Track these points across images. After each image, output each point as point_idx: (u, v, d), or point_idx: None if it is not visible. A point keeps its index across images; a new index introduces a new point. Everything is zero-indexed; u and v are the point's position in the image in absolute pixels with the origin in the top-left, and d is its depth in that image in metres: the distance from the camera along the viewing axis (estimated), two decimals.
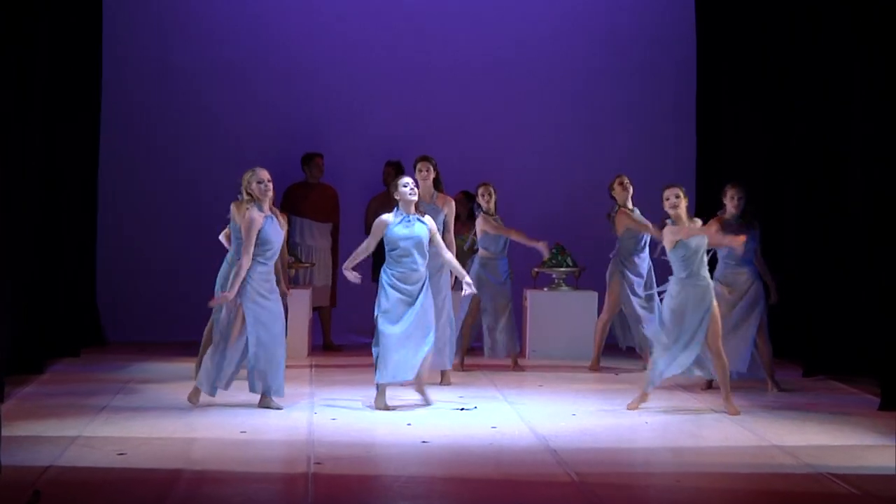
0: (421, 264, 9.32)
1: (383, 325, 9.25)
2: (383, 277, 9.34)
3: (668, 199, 9.32)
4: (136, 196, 13.19)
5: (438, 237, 9.52)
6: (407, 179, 9.40)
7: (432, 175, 10.42)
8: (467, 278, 9.51)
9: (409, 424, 8.77)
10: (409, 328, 9.24)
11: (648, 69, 13.57)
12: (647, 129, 13.56)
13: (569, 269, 12.39)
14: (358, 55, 13.55)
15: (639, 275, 11.44)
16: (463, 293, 9.57)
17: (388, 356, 9.22)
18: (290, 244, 12.27)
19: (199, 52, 13.33)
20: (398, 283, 9.28)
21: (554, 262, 12.38)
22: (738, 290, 10.16)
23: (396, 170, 12.55)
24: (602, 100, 13.63)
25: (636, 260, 11.43)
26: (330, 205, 13.00)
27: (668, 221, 9.40)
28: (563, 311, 12.27)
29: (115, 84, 12.96)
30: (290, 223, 12.88)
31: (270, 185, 9.29)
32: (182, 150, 13.22)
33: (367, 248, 9.45)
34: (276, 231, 9.29)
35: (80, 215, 12.20)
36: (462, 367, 11.13)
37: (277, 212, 9.53)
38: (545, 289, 12.52)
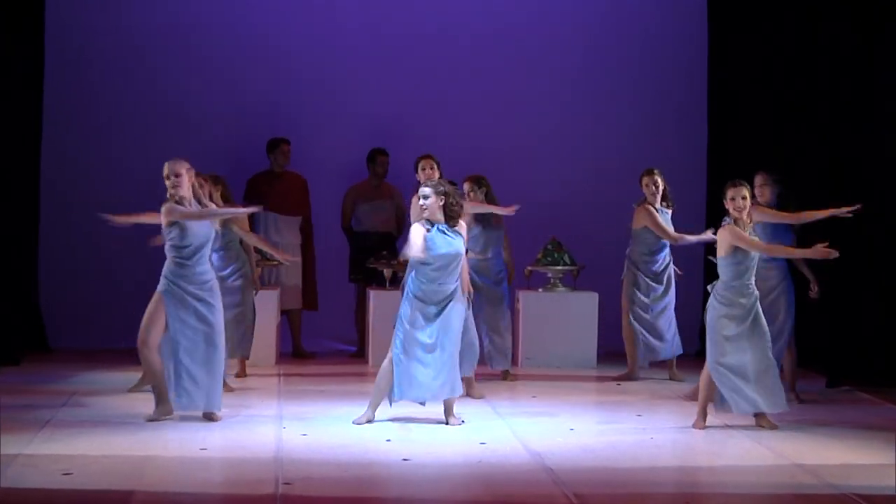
0: (453, 281, 9.33)
1: (402, 336, 9.28)
2: (410, 286, 9.36)
3: (733, 200, 9.24)
4: (81, 191, 13.14)
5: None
6: (426, 190, 9.31)
7: (437, 174, 10.52)
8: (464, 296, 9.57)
9: (388, 440, 8.79)
10: (433, 342, 9.27)
11: (656, 49, 13.56)
12: (655, 114, 13.55)
13: (566, 267, 12.40)
14: (331, 26, 13.51)
15: (652, 276, 11.45)
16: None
17: (405, 371, 9.25)
18: None
19: (148, 21, 13.26)
20: (424, 296, 9.31)
21: (549, 259, 12.39)
22: (764, 287, 10.16)
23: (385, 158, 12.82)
24: (606, 82, 13.60)
25: (649, 261, 11.44)
26: (298, 196, 13.00)
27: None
28: (560, 314, 12.29)
29: (59, 65, 12.93)
30: (253, 217, 12.90)
31: (180, 180, 9.32)
32: (132, 139, 13.17)
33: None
34: (203, 227, 9.34)
35: (20, 212, 12.17)
36: None
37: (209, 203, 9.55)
38: (540, 289, 12.54)
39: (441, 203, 9.25)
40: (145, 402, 9.67)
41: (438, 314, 9.26)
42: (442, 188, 9.32)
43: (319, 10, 13.50)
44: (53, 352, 12.64)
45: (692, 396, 10.01)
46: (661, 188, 11.41)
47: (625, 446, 8.77)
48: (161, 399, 9.32)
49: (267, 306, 12.00)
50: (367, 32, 13.51)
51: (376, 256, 12.42)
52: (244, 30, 13.40)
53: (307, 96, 13.48)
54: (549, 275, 12.49)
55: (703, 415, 9.32)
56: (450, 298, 9.30)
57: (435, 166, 10.68)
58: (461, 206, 9.41)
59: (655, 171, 11.42)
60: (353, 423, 9.31)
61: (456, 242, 9.28)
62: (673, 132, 13.49)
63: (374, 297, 12.23)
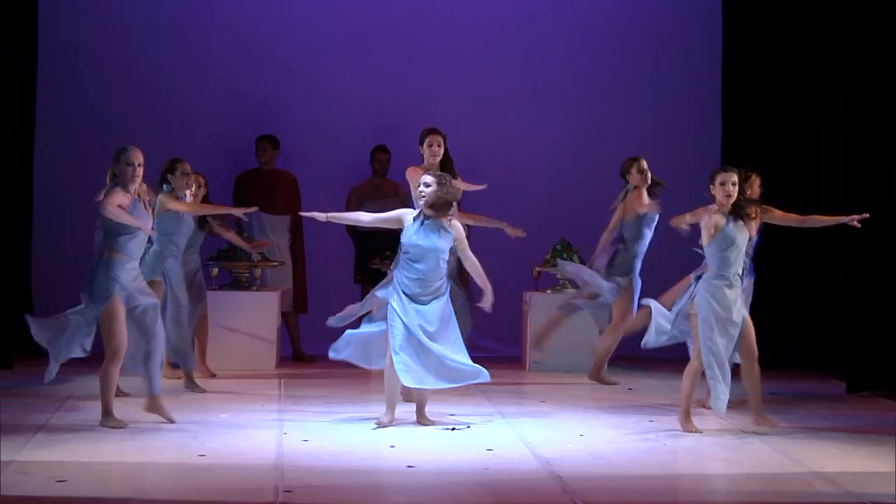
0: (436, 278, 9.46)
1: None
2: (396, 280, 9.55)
3: (723, 185, 9.27)
4: (74, 192, 13.15)
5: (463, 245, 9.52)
6: (429, 179, 9.42)
7: (442, 151, 10.45)
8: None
9: (392, 447, 8.79)
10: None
11: (669, 44, 13.53)
12: (667, 110, 13.53)
13: None
14: (327, 22, 13.51)
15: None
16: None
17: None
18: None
19: (141, 17, 13.27)
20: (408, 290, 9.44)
21: (558, 259, 12.38)
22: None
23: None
24: (617, 77, 13.57)
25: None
26: (287, 195, 12.98)
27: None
28: (570, 317, 12.27)
29: (52, 65, 12.97)
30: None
31: (142, 170, 9.38)
32: (126, 140, 13.13)
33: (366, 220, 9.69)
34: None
35: (12, 213, 12.19)
36: None
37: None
38: (548, 291, 12.54)
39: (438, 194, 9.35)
40: (141, 407, 9.68)
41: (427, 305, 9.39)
42: (444, 180, 9.37)
43: (315, 6, 13.51)
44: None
45: (706, 403, 10.01)
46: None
47: (636, 453, 8.76)
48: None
49: (266, 308, 12.03)
50: (363, 27, 13.51)
51: (381, 256, 12.42)
52: (238, 26, 13.42)
53: (301, 94, 13.49)
54: (558, 276, 12.49)
55: (689, 415, 9.36)
56: (434, 295, 9.38)
57: (442, 142, 10.49)
58: (449, 201, 9.41)
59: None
60: (375, 426, 9.34)
61: (433, 238, 9.35)
62: (686, 128, 13.47)
63: None
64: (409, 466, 8.23)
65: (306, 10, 13.51)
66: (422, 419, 9.55)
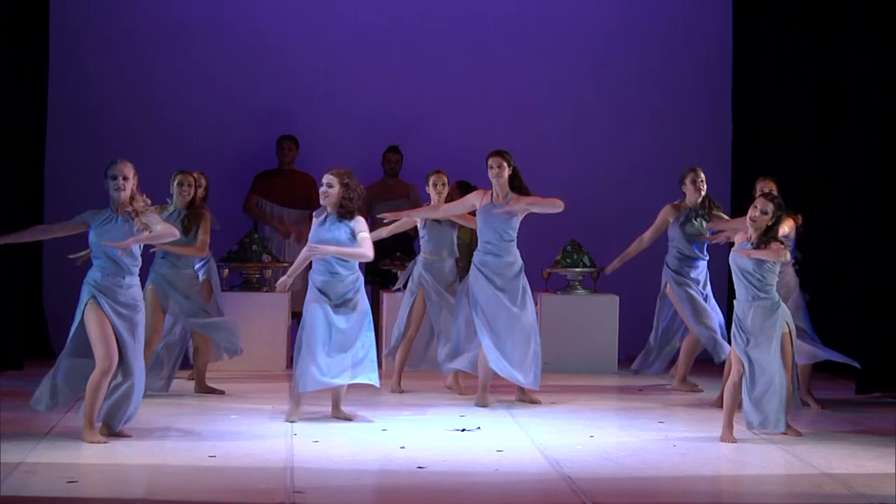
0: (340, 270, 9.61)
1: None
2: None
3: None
4: (84, 191, 13.15)
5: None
6: (331, 179, 9.58)
7: (507, 171, 10.36)
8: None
9: (402, 448, 8.79)
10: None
11: (679, 43, 13.54)
12: (677, 109, 13.53)
13: (585, 269, 12.40)
14: (341, 23, 13.53)
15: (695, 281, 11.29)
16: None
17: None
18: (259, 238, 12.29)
19: (156, 19, 13.30)
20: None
21: (569, 261, 12.39)
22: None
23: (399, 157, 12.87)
24: (626, 77, 13.58)
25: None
26: (306, 195, 13.00)
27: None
28: (580, 318, 12.29)
29: (64, 67, 12.99)
30: (263, 210, 12.93)
31: (126, 183, 9.29)
32: (138, 140, 13.19)
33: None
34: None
35: (23, 213, 12.20)
36: (399, 387, 11.05)
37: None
38: (558, 292, 12.54)
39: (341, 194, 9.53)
40: (153, 409, 9.69)
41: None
42: (346, 180, 9.54)
43: (330, 7, 13.52)
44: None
45: (718, 403, 9.99)
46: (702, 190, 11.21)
47: (646, 454, 8.76)
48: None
49: (278, 309, 12.04)
50: (374, 28, 13.52)
51: (391, 258, 12.44)
52: (254, 28, 13.45)
53: (312, 95, 13.52)
54: (569, 277, 12.49)
55: (731, 426, 9.24)
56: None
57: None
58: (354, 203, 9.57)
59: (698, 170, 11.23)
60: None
61: (336, 232, 9.54)
62: (696, 128, 13.46)
63: (387, 299, 12.25)
64: (420, 467, 8.23)
65: (318, 13, 13.51)
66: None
